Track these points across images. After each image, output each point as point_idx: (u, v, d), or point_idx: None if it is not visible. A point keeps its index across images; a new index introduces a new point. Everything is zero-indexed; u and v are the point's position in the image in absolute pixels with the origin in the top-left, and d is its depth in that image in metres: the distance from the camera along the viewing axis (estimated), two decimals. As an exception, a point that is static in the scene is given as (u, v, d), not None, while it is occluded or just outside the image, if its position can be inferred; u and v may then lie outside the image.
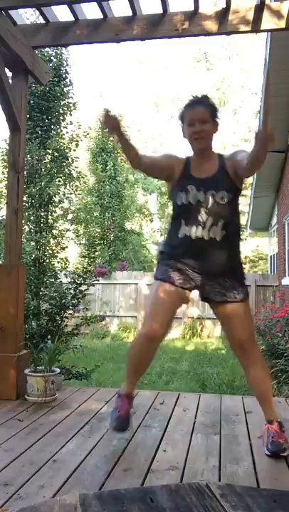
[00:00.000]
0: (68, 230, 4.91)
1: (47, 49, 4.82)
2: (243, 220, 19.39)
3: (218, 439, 2.32)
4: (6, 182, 3.49)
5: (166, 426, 2.52)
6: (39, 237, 4.31)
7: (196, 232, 2.10)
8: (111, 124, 1.99)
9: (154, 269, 2.29)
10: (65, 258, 4.62)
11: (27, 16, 4.79)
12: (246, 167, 2.03)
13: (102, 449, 2.17)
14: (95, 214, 13.02)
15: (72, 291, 3.90)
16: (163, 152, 2.35)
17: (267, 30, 3.08)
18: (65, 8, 3.04)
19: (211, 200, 2.09)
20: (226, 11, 2.96)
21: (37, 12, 3.72)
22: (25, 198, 4.00)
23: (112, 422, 2.22)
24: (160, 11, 3.01)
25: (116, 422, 2.20)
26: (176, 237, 2.17)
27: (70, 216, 5.10)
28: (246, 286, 2.24)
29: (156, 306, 2.16)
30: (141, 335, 2.17)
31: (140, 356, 2.21)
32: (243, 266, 2.30)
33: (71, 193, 4.98)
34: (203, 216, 2.09)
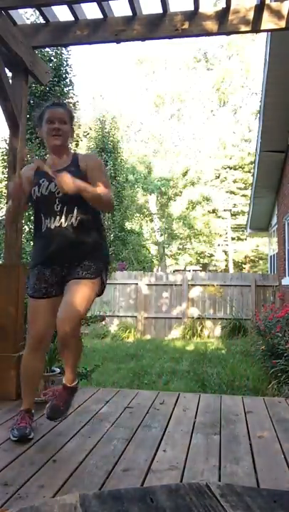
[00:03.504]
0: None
1: (47, 49, 4.83)
2: (243, 220, 19.42)
3: (218, 439, 2.32)
4: (6, 182, 3.49)
5: (166, 426, 2.52)
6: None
7: (54, 221, 2.22)
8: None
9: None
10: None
11: (27, 16, 4.80)
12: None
13: (102, 449, 2.17)
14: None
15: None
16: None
17: (267, 30, 3.07)
18: (65, 8, 3.04)
19: None
20: (225, 11, 2.96)
21: (37, 12, 3.72)
22: (25, 198, 3.99)
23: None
24: (160, 11, 3.01)
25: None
26: (39, 232, 2.29)
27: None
28: (101, 267, 2.30)
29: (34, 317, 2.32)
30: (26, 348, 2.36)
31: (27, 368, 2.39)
32: (105, 247, 2.40)
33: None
34: (58, 206, 2.22)
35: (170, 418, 2.66)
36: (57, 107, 2.35)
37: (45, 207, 2.24)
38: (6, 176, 3.60)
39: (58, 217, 2.22)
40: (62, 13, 3.18)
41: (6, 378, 3.02)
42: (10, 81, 3.21)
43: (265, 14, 2.90)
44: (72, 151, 2.43)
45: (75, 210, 2.22)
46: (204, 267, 24.13)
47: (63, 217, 2.21)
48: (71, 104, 4.97)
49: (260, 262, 23.68)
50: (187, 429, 2.47)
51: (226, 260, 23.71)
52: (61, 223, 2.21)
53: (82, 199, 2.19)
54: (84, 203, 2.21)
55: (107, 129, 13.87)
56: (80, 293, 2.16)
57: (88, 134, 13.63)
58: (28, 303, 2.36)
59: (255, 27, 2.92)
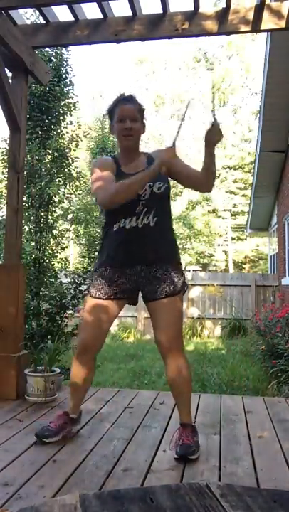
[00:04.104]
0: (68, 230, 4.91)
1: (47, 49, 4.81)
2: (243, 220, 19.41)
3: (218, 439, 2.33)
4: (6, 182, 3.49)
5: (166, 426, 2.53)
6: (39, 237, 4.31)
7: (130, 221, 2.12)
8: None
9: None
10: (65, 258, 4.62)
11: (27, 16, 4.79)
12: (199, 176, 2.28)
13: (102, 449, 2.17)
14: (95, 214, 13.02)
15: (72, 291, 3.90)
16: (99, 165, 2.22)
17: (267, 30, 3.07)
18: (65, 8, 3.04)
19: (148, 191, 2.12)
20: (225, 11, 2.96)
21: (37, 12, 3.72)
22: (25, 198, 4.00)
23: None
24: (160, 11, 3.01)
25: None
26: (110, 232, 2.18)
27: (70, 216, 5.10)
28: (183, 277, 2.23)
29: (88, 321, 2.25)
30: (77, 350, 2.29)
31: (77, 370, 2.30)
32: (178, 249, 2.31)
33: (71, 193, 4.98)
34: (140, 207, 2.12)
35: (170, 418, 2.66)
36: (126, 103, 2.17)
37: (126, 207, 2.09)
38: (6, 176, 3.59)
39: (135, 218, 2.11)
40: (62, 13, 3.18)
41: (6, 378, 3.02)
42: (10, 81, 3.22)
43: (265, 14, 2.90)
44: (142, 151, 2.29)
45: (154, 211, 2.12)
46: (204, 267, 24.12)
47: (141, 217, 2.11)
48: (71, 105, 4.94)
49: (260, 262, 23.67)
50: (187, 429, 2.47)
51: (226, 260, 23.71)
52: (138, 223, 2.11)
53: (162, 199, 2.17)
54: (161, 204, 2.18)
55: (107, 128, 13.88)
56: (174, 318, 2.15)
57: (88, 134, 13.62)
58: (88, 303, 2.25)
59: (255, 27, 2.92)
